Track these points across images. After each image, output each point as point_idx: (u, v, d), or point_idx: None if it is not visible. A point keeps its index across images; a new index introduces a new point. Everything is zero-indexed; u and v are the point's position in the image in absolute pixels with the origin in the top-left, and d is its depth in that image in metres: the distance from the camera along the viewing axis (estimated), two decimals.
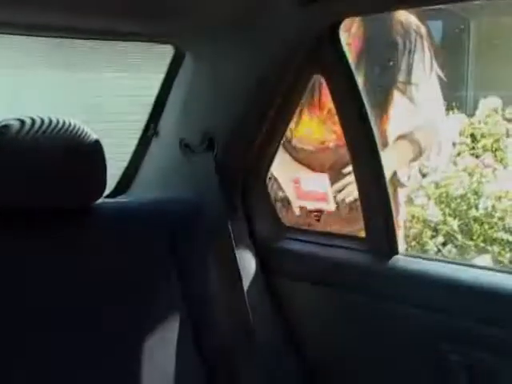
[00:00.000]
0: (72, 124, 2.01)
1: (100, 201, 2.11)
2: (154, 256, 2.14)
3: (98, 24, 2.17)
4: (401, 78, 2.89)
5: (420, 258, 2.14)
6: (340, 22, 2.04)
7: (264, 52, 2.13)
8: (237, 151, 2.32)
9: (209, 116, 2.32)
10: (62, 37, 2.23)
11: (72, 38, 2.27)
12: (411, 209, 4.19)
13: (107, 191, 2.24)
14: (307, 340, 2.25)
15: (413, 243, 4.15)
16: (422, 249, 4.13)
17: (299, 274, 2.27)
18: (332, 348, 2.22)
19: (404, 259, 2.09)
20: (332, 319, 2.21)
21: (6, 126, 1.94)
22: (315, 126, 2.88)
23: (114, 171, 2.40)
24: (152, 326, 2.05)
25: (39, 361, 1.91)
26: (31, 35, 2.23)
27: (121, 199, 2.48)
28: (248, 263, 2.29)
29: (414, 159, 3.02)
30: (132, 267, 2.09)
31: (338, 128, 2.59)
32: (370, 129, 2.08)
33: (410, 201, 4.21)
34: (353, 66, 2.08)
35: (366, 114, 2.07)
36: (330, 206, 2.81)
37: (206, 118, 2.32)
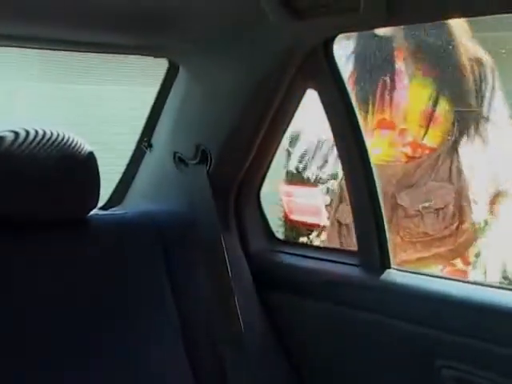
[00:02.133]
0: (66, 136, 2.01)
1: (94, 212, 2.11)
2: (147, 268, 2.14)
3: (92, 37, 2.18)
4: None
5: (412, 272, 2.14)
6: (334, 37, 2.05)
7: (257, 66, 2.14)
8: (230, 164, 2.33)
9: (202, 129, 2.32)
10: (55, 49, 2.23)
11: (65, 50, 2.27)
12: None
13: (101, 203, 2.26)
14: (298, 353, 2.25)
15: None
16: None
17: (291, 288, 2.27)
18: (322, 361, 2.22)
19: (396, 273, 2.10)
20: (323, 333, 2.21)
21: (0, 138, 1.95)
22: (386, 146, 2.88)
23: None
24: (145, 337, 2.05)
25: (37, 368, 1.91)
26: (24, 47, 2.23)
27: (114, 211, 2.48)
28: (240, 276, 2.29)
29: None
30: (125, 279, 2.09)
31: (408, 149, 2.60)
32: (363, 143, 2.08)
33: None
34: None
35: (359, 128, 2.08)
36: (323, 220, 2.81)
37: (199, 131, 2.33)
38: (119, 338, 2.03)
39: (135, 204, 2.49)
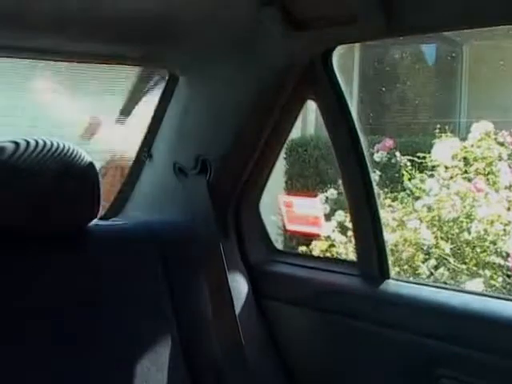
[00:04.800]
0: (66, 146, 2.01)
1: (94, 222, 2.12)
2: (146, 278, 2.14)
3: (92, 48, 2.19)
4: None
5: (411, 282, 2.15)
6: (333, 49, 2.06)
7: (257, 77, 2.15)
8: (230, 175, 2.33)
9: (202, 140, 2.33)
10: (54, 60, 2.24)
11: (65, 61, 2.28)
12: (404, 232, 4.19)
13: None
14: (297, 363, 2.25)
15: (405, 266, 4.15)
16: (414, 272, 4.13)
17: (290, 298, 2.27)
18: (321, 371, 2.22)
19: (395, 284, 2.10)
20: (322, 343, 2.21)
21: (1, 148, 1.95)
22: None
23: None
24: (144, 349, 2.05)
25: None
26: (20, 58, 2.24)
27: (114, 221, 2.47)
28: (239, 286, 2.29)
29: None
30: (124, 289, 2.09)
31: None
32: (362, 154, 2.09)
33: (402, 224, 4.22)
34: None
35: (358, 138, 2.09)
36: (322, 230, 2.82)
37: (199, 142, 2.33)
38: (119, 351, 2.02)
39: (135, 214, 2.49)
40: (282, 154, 6.17)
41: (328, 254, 4.25)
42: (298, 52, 2.05)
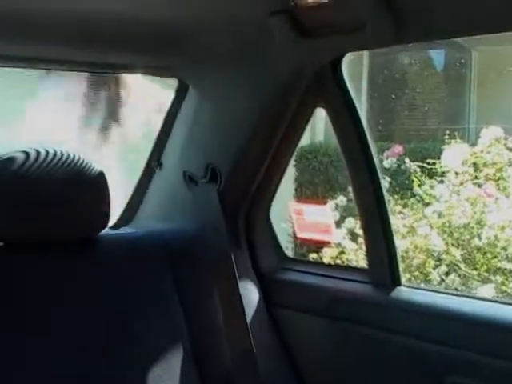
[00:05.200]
0: (76, 156, 2.02)
1: (104, 231, 2.12)
2: (157, 287, 2.14)
3: (102, 58, 2.21)
4: None
5: (422, 289, 2.14)
6: (342, 57, 2.06)
7: (266, 85, 2.15)
8: (240, 183, 2.33)
9: (212, 148, 2.33)
10: (64, 70, 2.24)
11: (74, 71, 2.29)
12: (414, 238, 4.19)
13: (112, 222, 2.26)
14: (308, 371, 2.25)
15: (416, 273, 4.14)
16: (425, 279, 4.12)
17: (301, 306, 2.27)
18: (333, 379, 2.21)
19: (406, 291, 2.09)
20: (333, 351, 2.20)
21: (11, 158, 1.95)
22: None
23: None
24: (155, 357, 2.05)
25: None
26: (31, 68, 2.25)
27: (125, 230, 2.47)
28: (250, 294, 2.29)
29: None
30: (135, 298, 2.09)
31: None
32: (372, 160, 2.09)
33: (412, 230, 4.21)
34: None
35: (368, 145, 2.09)
36: (332, 238, 2.81)
37: (209, 150, 2.33)
38: (130, 360, 2.02)
39: (145, 223, 2.49)
40: (292, 162, 6.18)
41: (338, 261, 4.25)
42: (307, 60, 2.05)
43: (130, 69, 2.34)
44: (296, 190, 6.62)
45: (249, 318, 2.20)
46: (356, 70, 6.31)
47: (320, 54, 2.04)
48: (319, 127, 6.38)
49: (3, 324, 1.91)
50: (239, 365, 2.14)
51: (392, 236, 2.11)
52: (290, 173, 6.40)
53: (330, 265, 2.40)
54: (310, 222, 2.81)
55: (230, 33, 2.05)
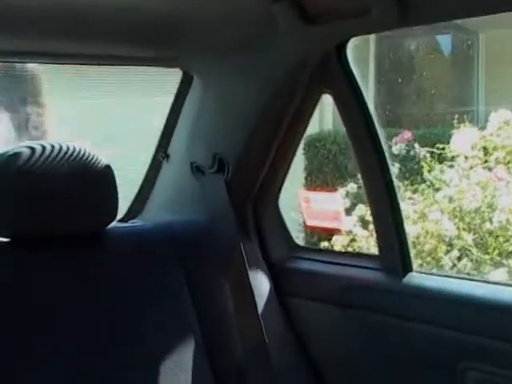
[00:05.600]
0: (82, 150, 2.00)
1: (112, 225, 2.10)
2: (166, 279, 2.13)
3: (106, 50, 2.19)
4: None
5: (434, 274, 2.13)
6: (347, 42, 2.04)
7: (271, 73, 2.13)
8: (248, 172, 2.32)
9: (219, 138, 2.32)
10: (69, 63, 2.24)
11: (79, 64, 2.28)
12: (425, 224, 4.17)
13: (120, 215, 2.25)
14: (321, 359, 2.24)
15: (428, 259, 4.13)
16: (437, 264, 4.11)
17: (312, 294, 2.26)
18: (345, 367, 2.20)
19: (418, 276, 2.08)
20: (346, 338, 2.19)
21: (17, 154, 1.94)
22: None
23: None
24: (167, 351, 2.03)
25: None
26: (38, 62, 2.24)
27: (133, 223, 2.47)
28: (261, 284, 2.28)
29: None
30: (145, 291, 2.08)
31: None
32: (380, 145, 2.07)
33: (423, 216, 4.20)
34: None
35: (376, 131, 2.07)
36: (343, 225, 2.80)
37: (215, 140, 2.32)
38: (141, 353, 2.01)
39: (154, 215, 2.48)
40: (301, 150, 6.17)
41: (349, 249, 4.24)
42: (312, 46, 2.04)
43: (134, 61, 2.32)
44: (306, 178, 6.62)
45: (260, 308, 2.19)
46: (362, 55, 6.29)
47: (324, 40, 2.02)
48: (327, 115, 6.37)
49: (8, 320, 1.90)
50: (251, 356, 2.13)
51: (402, 222, 2.09)
52: (300, 161, 6.39)
53: (340, 252, 2.39)
54: (319, 209, 2.79)
55: (233, 22, 2.04)
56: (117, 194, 2.05)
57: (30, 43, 2.04)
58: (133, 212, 2.56)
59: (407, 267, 2.09)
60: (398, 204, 2.09)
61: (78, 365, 1.92)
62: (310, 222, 2.84)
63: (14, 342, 1.89)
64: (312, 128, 5.83)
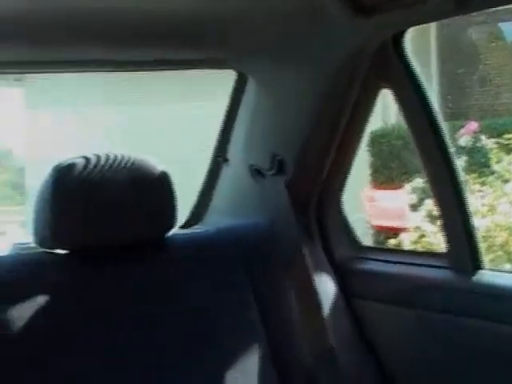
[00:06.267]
0: (137, 158, 1.99)
1: (173, 232, 2.08)
2: (230, 284, 2.10)
3: (157, 55, 2.17)
4: None
5: (507, 272, 2.05)
6: (403, 32, 1.98)
7: (327, 68, 2.08)
8: (308, 173, 2.27)
9: (276, 139, 2.27)
10: (123, 71, 2.23)
11: (132, 71, 2.27)
12: (494, 217, 4.09)
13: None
14: (393, 363, 2.17)
15: (499, 252, 4.04)
16: (509, 258, 4.01)
17: (379, 295, 2.20)
18: (415, 368, 2.13)
19: (489, 274, 2.00)
20: (414, 339, 2.12)
21: (71, 165, 1.93)
22: None
23: None
24: (231, 359, 2.00)
25: None
26: (87, 71, 2.23)
27: (194, 229, 2.45)
28: (326, 286, 2.22)
29: None
30: (209, 296, 2.05)
31: None
32: (444, 141, 2.00)
33: (493, 209, 4.12)
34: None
35: (438, 124, 2.00)
36: (408, 223, 2.73)
37: (274, 141, 2.28)
38: (206, 361, 1.98)
39: (215, 220, 2.46)
40: (365, 147, 6.11)
41: (419, 246, 4.17)
42: (367, 38, 1.98)
43: (187, 64, 2.30)
44: (371, 175, 6.57)
45: (326, 311, 2.15)
46: (422, 45, 6.20)
47: (380, 31, 1.96)
48: (391, 110, 6.30)
49: (69, 334, 1.89)
50: (319, 361, 2.08)
51: (470, 217, 2.02)
52: (364, 159, 6.34)
53: (407, 251, 2.32)
54: (385, 208, 2.73)
55: (284, 16, 1.99)
56: (175, 200, 2.03)
57: (76, 53, 2.04)
58: (194, 218, 2.53)
59: (477, 264, 2.01)
60: (465, 199, 2.02)
61: (141, 368, 1.91)
62: (375, 222, 2.78)
63: (75, 355, 1.87)
64: (376, 124, 5.78)
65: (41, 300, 1.89)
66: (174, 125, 6.89)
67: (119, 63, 2.18)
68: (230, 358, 2.00)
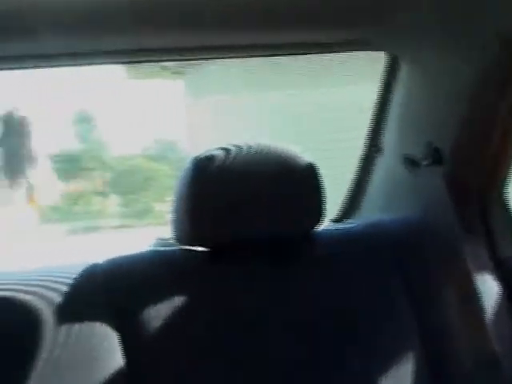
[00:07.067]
0: (283, 148, 1.92)
1: (323, 226, 2.01)
2: (384, 285, 2.01)
3: (303, 37, 2.08)
4: None
5: None
6: None
7: (483, 48, 1.91)
8: (468, 162, 2.11)
9: (432, 126, 2.13)
10: (263, 56, 2.16)
11: (273, 56, 2.18)
12: None
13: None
14: None
15: None
16: None
17: None
18: None
19: None
20: None
21: (211, 157, 1.87)
22: None
23: None
24: (386, 365, 1.90)
25: None
26: (229, 58, 2.17)
27: (346, 223, 2.37)
28: (488, 286, 2.06)
29: None
30: (358, 295, 1.97)
31: None
32: None
33: None
34: None
35: None
36: None
37: (429, 128, 2.14)
38: (360, 366, 1.89)
39: (368, 214, 2.36)
40: None
41: None
42: None
43: (333, 47, 2.19)
44: None
45: (488, 314, 1.99)
46: None
47: None
48: None
49: (212, 337, 1.82)
50: (481, 371, 1.94)
51: None
52: None
53: None
54: None
55: None
56: (323, 193, 1.94)
57: (210, 38, 1.98)
58: (345, 211, 2.43)
59: None
60: None
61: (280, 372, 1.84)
62: None
63: (218, 361, 1.81)
64: None
65: (178, 301, 1.83)
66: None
67: (264, 47, 2.10)
68: (383, 364, 1.90)
